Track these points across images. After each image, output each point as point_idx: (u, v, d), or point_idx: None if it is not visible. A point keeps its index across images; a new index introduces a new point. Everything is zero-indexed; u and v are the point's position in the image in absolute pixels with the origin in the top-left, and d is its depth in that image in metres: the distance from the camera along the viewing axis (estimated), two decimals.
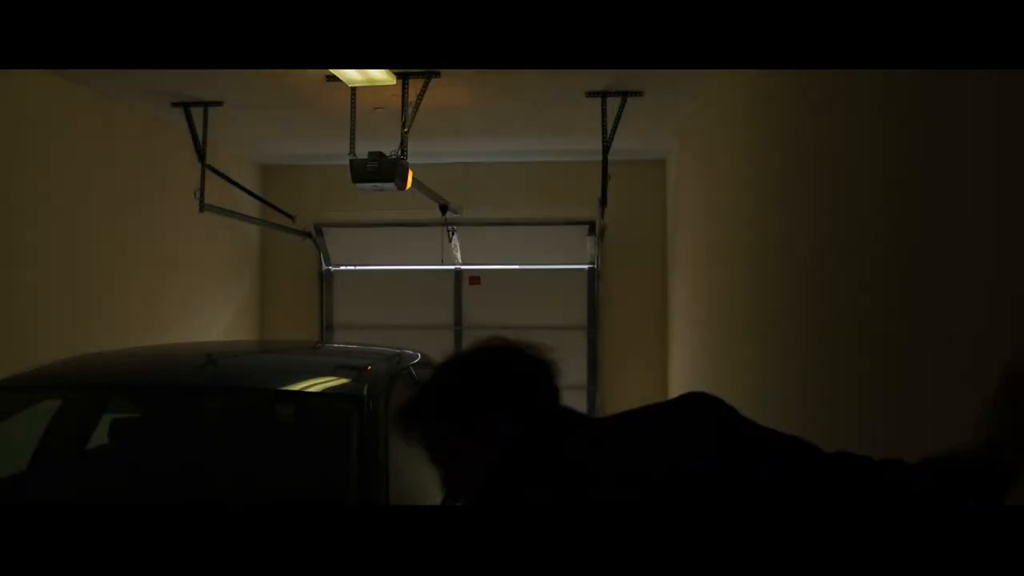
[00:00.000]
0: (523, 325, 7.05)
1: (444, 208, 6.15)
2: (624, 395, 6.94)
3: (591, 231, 6.66)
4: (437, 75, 4.32)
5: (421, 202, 6.09)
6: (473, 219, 6.86)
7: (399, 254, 7.23)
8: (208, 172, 5.24)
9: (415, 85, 4.39)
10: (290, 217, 6.23)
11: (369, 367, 2.82)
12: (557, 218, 6.80)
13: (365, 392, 2.46)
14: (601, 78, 4.43)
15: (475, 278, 7.05)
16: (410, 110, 4.51)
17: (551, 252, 7.04)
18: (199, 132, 5.12)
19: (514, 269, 7.08)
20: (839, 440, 2.13)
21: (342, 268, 7.25)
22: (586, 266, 6.98)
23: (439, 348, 7.57)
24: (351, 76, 4.21)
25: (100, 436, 2.66)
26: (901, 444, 1.72)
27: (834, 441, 2.17)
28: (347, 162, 4.46)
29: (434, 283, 7.02)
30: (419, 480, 2.70)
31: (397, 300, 7.18)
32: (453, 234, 6.72)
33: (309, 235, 6.92)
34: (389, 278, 7.28)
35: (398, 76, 4.30)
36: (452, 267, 7.06)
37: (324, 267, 7.18)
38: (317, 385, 2.68)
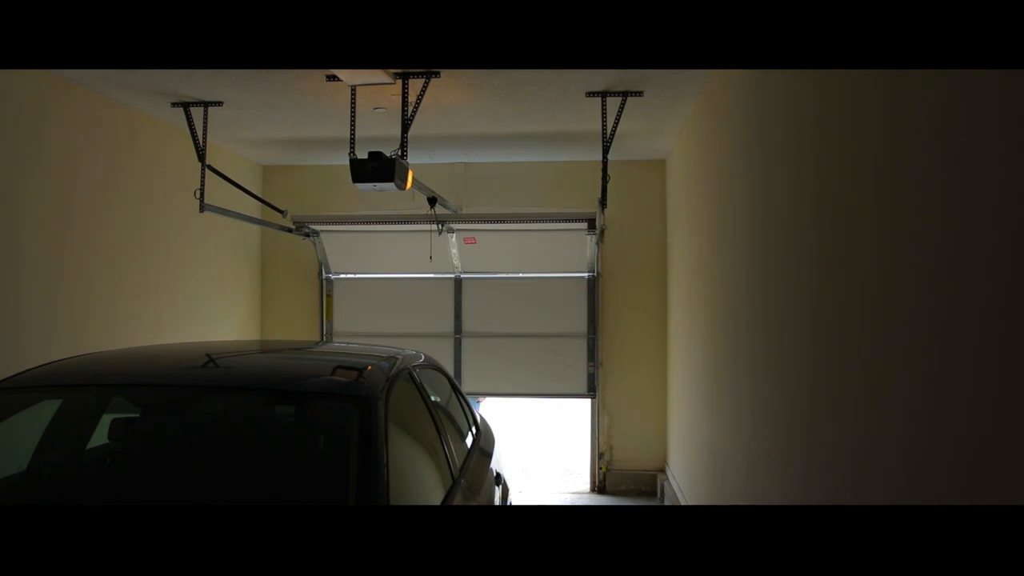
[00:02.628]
0: (522, 276, 7.06)
1: (433, 200, 5.82)
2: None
3: (591, 227, 6.43)
4: (437, 75, 4.33)
5: (420, 202, 6.04)
6: (465, 215, 6.64)
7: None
8: (208, 172, 5.25)
9: (415, 85, 4.39)
10: (280, 212, 6.16)
11: (369, 367, 2.82)
12: (556, 213, 6.61)
13: (365, 392, 2.46)
14: (601, 78, 4.43)
15: (470, 239, 6.91)
16: (410, 110, 4.51)
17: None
18: (199, 132, 5.12)
19: (512, 231, 6.78)
20: (835, 440, 2.14)
21: (331, 230, 6.93)
22: (585, 226, 6.57)
23: (439, 303, 7.16)
24: (351, 76, 4.21)
25: (100, 436, 2.66)
26: (899, 445, 1.72)
27: (830, 441, 2.17)
28: (347, 162, 4.46)
29: (430, 242, 6.66)
30: (419, 480, 2.71)
31: (392, 259, 7.11)
32: (442, 228, 6.34)
33: (306, 232, 6.82)
34: (382, 238, 7.07)
35: (398, 76, 4.31)
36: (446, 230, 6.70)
37: (311, 231, 6.95)
38: (318, 385, 2.68)
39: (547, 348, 7.03)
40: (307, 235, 6.83)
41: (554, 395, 7.42)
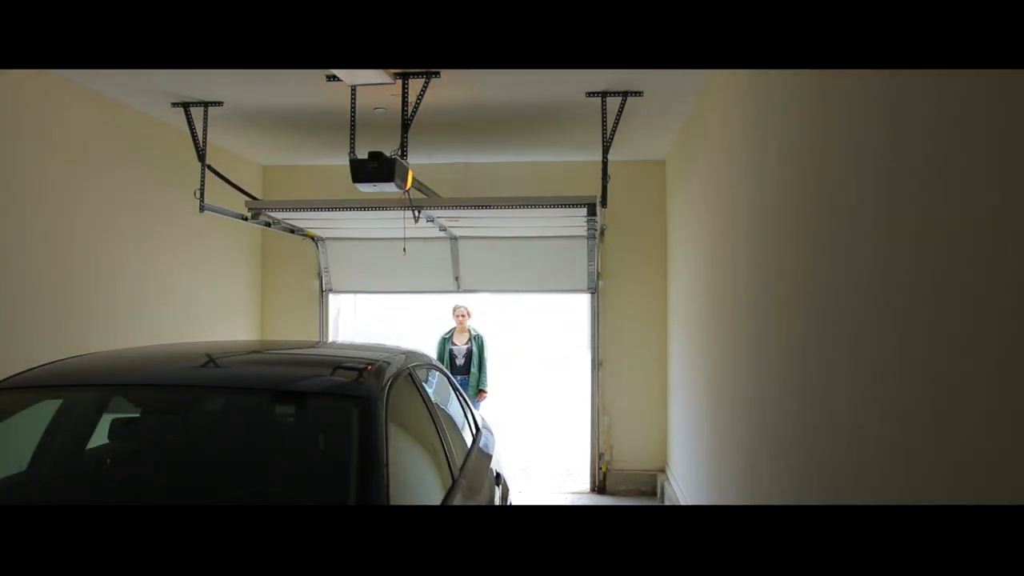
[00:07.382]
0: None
1: None
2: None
3: (591, 212, 5.40)
4: (437, 75, 4.33)
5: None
6: (445, 199, 5.80)
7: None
8: (208, 172, 5.25)
9: (415, 85, 4.39)
10: (254, 199, 5.94)
11: (369, 367, 2.82)
12: (551, 198, 5.46)
13: (365, 392, 2.46)
14: (601, 78, 4.43)
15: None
16: (410, 110, 4.51)
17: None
18: (199, 132, 5.12)
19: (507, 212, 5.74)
20: (831, 438, 2.14)
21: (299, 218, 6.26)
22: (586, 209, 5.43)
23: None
24: (351, 76, 4.21)
25: (100, 436, 2.66)
26: (897, 448, 1.72)
27: (826, 438, 2.17)
28: (347, 162, 4.46)
29: (404, 233, 5.97)
30: (419, 480, 2.71)
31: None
32: (418, 215, 5.34)
33: (267, 222, 6.22)
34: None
35: (398, 76, 4.31)
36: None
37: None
38: (317, 385, 2.68)
39: (549, 246, 6.85)
40: (268, 224, 6.19)
41: (555, 291, 7.29)
